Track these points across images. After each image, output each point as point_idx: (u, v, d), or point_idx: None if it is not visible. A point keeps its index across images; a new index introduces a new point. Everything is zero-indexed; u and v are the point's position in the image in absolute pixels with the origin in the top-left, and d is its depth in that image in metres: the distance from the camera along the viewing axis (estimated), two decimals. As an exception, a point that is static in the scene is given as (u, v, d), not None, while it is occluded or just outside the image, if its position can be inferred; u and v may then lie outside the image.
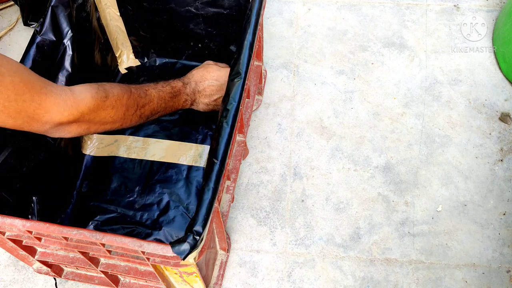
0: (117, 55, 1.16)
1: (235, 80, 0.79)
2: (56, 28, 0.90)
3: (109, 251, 0.70)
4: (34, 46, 0.86)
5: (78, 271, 0.93)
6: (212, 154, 0.73)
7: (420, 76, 1.22)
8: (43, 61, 0.87)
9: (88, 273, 0.92)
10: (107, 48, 1.11)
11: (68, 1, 0.91)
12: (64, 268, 0.94)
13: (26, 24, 1.33)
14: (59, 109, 0.67)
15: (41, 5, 1.32)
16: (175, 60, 1.18)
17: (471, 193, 1.07)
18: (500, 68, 1.22)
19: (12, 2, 1.39)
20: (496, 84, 1.20)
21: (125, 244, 0.65)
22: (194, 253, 0.65)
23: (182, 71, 1.17)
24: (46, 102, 0.65)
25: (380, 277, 0.99)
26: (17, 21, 1.36)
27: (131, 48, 1.16)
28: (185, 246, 0.63)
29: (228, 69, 0.99)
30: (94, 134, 1.08)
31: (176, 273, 0.78)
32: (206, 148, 1.06)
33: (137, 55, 1.18)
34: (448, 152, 1.11)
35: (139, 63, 1.18)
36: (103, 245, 0.68)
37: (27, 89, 0.61)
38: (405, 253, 1.01)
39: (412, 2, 1.34)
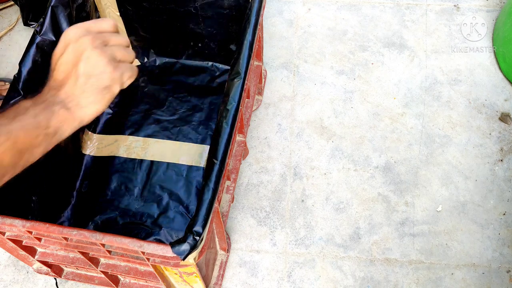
0: None
1: (235, 80, 0.79)
2: (56, 28, 0.90)
3: (109, 251, 0.70)
4: (34, 46, 0.86)
5: (78, 271, 0.93)
6: (212, 154, 0.73)
7: (420, 76, 1.22)
8: (43, 62, 0.87)
9: (88, 273, 0.92)
10: (107, 48, 1.11)
11: (68, 1, 0.91)
12: (64, 268, 0.94)
13: (26, 24, 1.33)
14: None
15: (41, 5, 1.31)
16: (175, 60, 1.18)
17: (471, 193, 1.07)
18: (500, 68, 1.22)
19: (12, 2, 1.39)
20: (496, 84, 1.20)
21: (125, 245, 0.65)
22: (194, 253, 0.65)
23: (182, 71, 1.17)
24: None
25: (380, 277, 0.98)
26: (17, 21, 1.36)
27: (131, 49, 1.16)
28: (185, 247, 0.63)
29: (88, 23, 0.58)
30: (94, 134, 1.08)
31: (176, 273, 0.78)
32: (206, 148, 1.06)
33: (137, 55, 1.18)
34: (448, 152, 1.11)
35: (139, 63, 1.18)
36: (103, 245, 0.68)
37: None
38: (405, 253, 1.01)
39: (412, 2, 1.34)
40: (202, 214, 0.66)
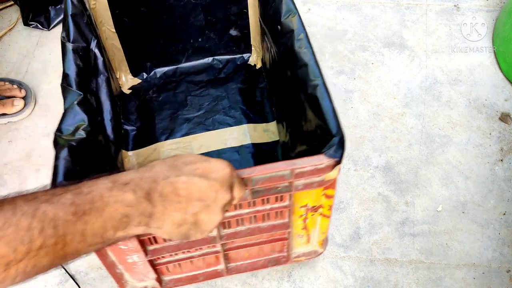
0: (117, 77, 1.13)
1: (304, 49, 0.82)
2: (83, 36, 0.87)
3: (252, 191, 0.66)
4: (71, 52, 0.81)
5: (178, 276, 0.86)
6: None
7: (420, 76, 1.22)
8: (84, 66, 0.83)
9: (190, 273, 0.87)
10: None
11: (81, 10, 0.88)
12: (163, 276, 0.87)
13: (26, 24, 1.33)
14: None
15: (41, 5, 1.32)
16: (175, 66, 1.17)
17: (471, 193, 1.07)
18: (500, 68, 1.22)
19: (12, 2, 1.39)
20: (496, 84, 1.20)
21: (278, 169, 0.63)
22: (338, 167, 0.65)
23: (186, 73, 1.16)
24: None
25: (380, 277, 0.99)
26: (17, 21, 1.36)
27: (128, 68, 1.14)
28: (336, 147, 0.64)
29: (224, 162, 0.53)
30: (128, 152, 1.03)
31: (301, 215, 0.76)
32: (246, 127, 1.06)
33: (135, 73, 1.15)
34: (448, 152, 1.12)
35: (139, 81, 1.16)
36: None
37: None
38: (405, 253, 1.01)
39: (412, 2, 1.34)
40: (331, 119, 0.68)
